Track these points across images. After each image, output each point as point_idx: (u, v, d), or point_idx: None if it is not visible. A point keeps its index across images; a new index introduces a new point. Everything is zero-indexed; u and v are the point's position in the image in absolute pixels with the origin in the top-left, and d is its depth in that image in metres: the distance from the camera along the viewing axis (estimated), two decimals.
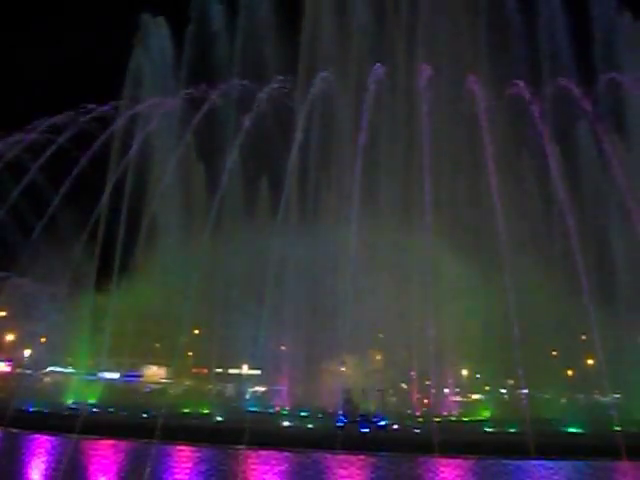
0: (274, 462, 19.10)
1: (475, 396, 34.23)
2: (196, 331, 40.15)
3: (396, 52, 36.57)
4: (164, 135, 38.81)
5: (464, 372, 37.90)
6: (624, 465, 17.93)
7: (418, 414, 28.74)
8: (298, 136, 35.21)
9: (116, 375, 45.64)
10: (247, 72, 38.00)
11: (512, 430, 22.40)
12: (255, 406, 29.70)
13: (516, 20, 36.20)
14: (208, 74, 38.55)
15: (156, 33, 39.63)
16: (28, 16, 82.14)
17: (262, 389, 37.65)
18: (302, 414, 26.68)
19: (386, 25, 37.11)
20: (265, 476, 18.91)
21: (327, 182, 36.07)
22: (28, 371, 44.01)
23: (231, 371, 42.83)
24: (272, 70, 37.25)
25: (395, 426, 23.83)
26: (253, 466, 18.89)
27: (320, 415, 26.72)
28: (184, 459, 19.37)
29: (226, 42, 38.84)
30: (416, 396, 32.62)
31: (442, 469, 18.29)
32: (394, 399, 32.80)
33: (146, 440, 19.58)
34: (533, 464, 18.28)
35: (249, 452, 19.05)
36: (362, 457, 18.83)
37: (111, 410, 25.55)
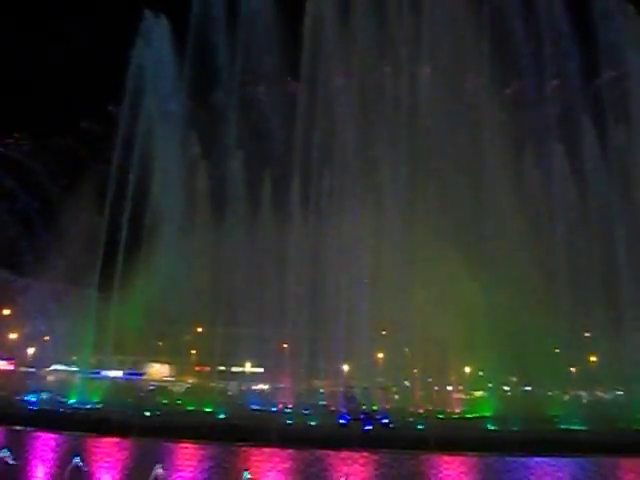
0: (277, 459, 19.16)
1: (478, 393, 34.23)
2: (199, 329, 40.25)
3: (398, 52, 36.49)
4: (167, 133, 38.85)
5: (467, 369, 37.93)
6: (626, 462, 17.96)
7: (421, 411, 28.75)
8: (299, 134, 35.32)
9: (119, 373, 45.82)
10: (249, 70, 38.06)
11: (515, 427, 22.41)
12: (258, 404, 29.75)
13: (517, 17, 36.13)
14: (211, 72, 38.58)
15: (158, 31, 39.56)
16: (28, 15, 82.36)
17: (265, 387, 37.75)
18: (305, 412, 26.71)
19: (388, 25, 36.98)
20: (269, 473, 18.98)
21: (330, 184, 36.05)
22: (31, 369, 44.18)
23: (234, 369, 42.93)
24: (275, 68, 37.27)
25: (398, 423, 23.86)
26: (257, 463, 18.94)
27: (323, 413, 26.76)
28: (188, 456, 19.43)
29: (228, 40, 38.81)
30: (419, 393, 32.65)
31: (445, 466, 18.34)
32: (397, 396, 32.83)
33: (150, 438, 19.66)
34: (536, 461, 18.32)
35: (252, 449, 19.11)
36: (365, 454, 18.88)
37: (116, 408, 25.61)
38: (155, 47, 39.47)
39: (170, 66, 39.51)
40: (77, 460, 19.04)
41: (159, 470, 18.86)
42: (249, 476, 18.63)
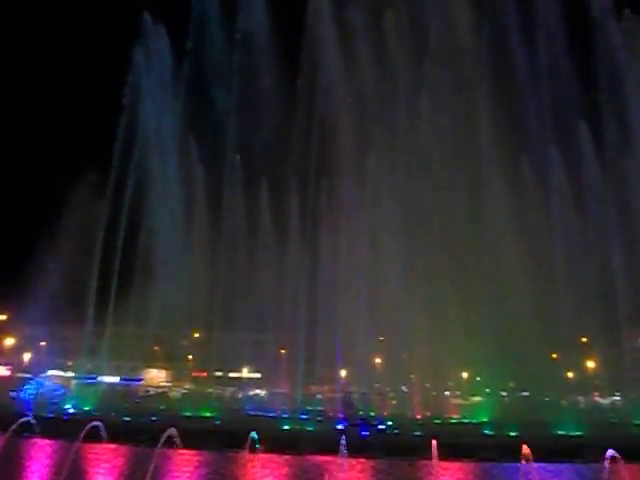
0: (274, 465, 19.07)
1: (475, 399, 34.22)
2: (196, 334, 40.19)
3: (398, 71, 36.52)
4: (164, 137, 38.89)
5: (464, 375, 37.91)
6: (624, 467, 17.91)
7: (418, 417, 28.72)
8: (298, 142, 35.42)
9: (116, 379, 45.69)
10: (248, 76, 38.17)
11: (512, 433, 22.35)
12: (255, 409, 29.67)
13: (516, 25, 36.25)
14: (208, 77, 38.65)
15: (156, 38, 39.60)
16: (28, 17, 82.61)
17: (262, 392, 37.67)
18: (302, 417, 26.66)
19: (388, 40, 36.98)
20: (266, 479, 18.88)
21: (328, 192, 36.11)
22: (28, 375, 44.03)
23: (231, 374, 42.83)
24: (272, 75, 37.35)
25: (395, 429, 23.80)
26: (253, 470, 18.85)
27: (320, 418, 26.70)
28: (185, 463, 19.34)
29: (226, 47, 38.87)
30: (417, 399, 32.61)
31: (442, 472, 18.27)
32: (394, 402, 32.79)
33: (147, 445, 19.54)
34: (533, 467, 18.25)
35: (249, 456, 19.01)
36: (362, 460, 18.80)
37: (111, 414, 25.50)
38: (153, 53, 39.53)
39: (168, 71, 39.55)
40: None
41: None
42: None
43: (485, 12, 36.71)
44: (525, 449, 17.42)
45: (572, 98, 34.77)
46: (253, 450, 18.79)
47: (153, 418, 24.96)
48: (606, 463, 17.19)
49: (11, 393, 31.25)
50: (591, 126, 34.92)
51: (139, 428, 22.19)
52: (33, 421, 20.41)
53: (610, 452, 17.02)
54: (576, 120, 35.01)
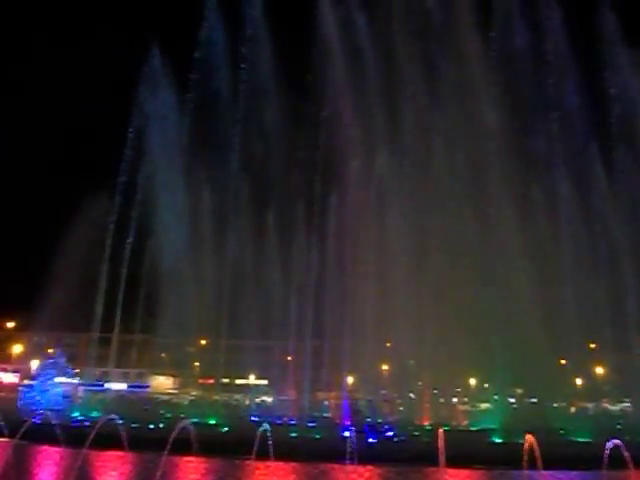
0: (281, 473, 19.00)
1: (483, 405, 34.07)
2: (203, 341, 40.24)
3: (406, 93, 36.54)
4: (171, 159, 39.14)
5: (472, 381, 37.75)
6: (635, 474, 17.76)
7: (426, 424, 28.58)
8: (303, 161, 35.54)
9: (123, 386, 45.78)
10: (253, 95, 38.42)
11: (520, 440, 22.21)
12: (261, 416, 29.61)
13: (526, 48, 36.28)
14: (214, 101, 38.89)
15: (161, 58, 39.84)
16: (36, 39, 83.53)
17: (269, 399, 37.66)
18: (309, 424, 26.58)
19: (398, 58, 36.99)
20: None
21: (334, 200, 36.14)
22: (35, 382, 44.17)
23: (238, 381, 42.82)
24: (278, 98, 37.56)
25: (402, 436, 23.68)
26: (260, 477, 18.79)
27: (327, 425, 26.63)
28: (191, 470, 19.30)
29: (232, 73, 39.10)
30: (424, 406, 32.49)
31: (450, 479, 18.15)
32: (401, 409, 32.67)
33: (154, 452, 19.51)
34: (542, 474, 18.12)
35: (256, 463, 18.96)
36: (369, 468, 18.69)
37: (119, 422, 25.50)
38: (159, 80, 39.78)
39: (174, 96, 39.82)
40: None
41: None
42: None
43: (495, 37, 36.74)
44: (530, 445, 17.29)
45: (582, 120, 34.80)
46: (260, 457, 18.71)
47: (161, 425, 24.95)
48: (610, 468, 17.04)
49: (20, 389, 31.35)
50: (601, 148, 34.99)
51: (147, 435, 22.22)
52: (39, 427, 20.44)
53: (612, 441, 16.87)
54: (586, 142, 35.03)
